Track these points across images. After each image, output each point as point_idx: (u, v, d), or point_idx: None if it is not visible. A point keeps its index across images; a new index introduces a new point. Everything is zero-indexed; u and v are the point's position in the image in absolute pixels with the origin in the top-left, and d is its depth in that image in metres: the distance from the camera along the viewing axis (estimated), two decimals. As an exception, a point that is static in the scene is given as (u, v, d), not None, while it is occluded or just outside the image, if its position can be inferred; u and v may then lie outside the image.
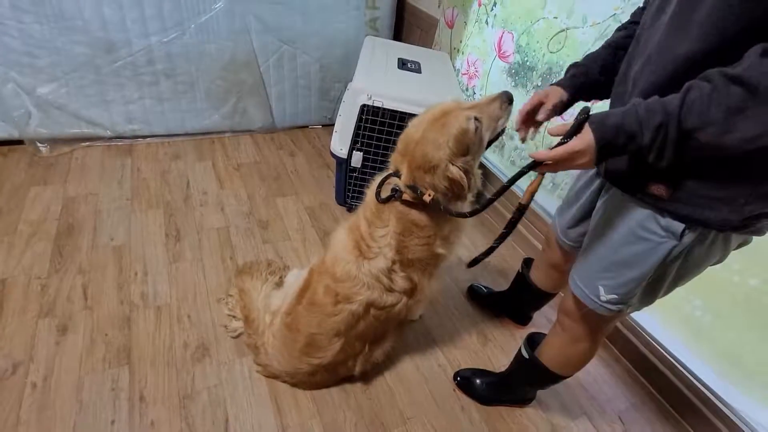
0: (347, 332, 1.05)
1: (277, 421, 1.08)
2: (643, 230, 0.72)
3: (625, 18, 1.28)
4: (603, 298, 0.81)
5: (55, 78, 1.71)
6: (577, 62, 0.89)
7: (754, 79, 0.52)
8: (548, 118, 0.85)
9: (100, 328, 1.20)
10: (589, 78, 0.86)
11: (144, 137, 2.00)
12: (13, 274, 1.30)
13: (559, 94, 0.85)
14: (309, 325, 1.06)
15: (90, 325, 1.21)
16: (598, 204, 0.86)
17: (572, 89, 0.86)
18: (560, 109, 0.86)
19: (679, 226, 0.69)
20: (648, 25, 0.71)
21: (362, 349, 1.11)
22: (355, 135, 1.59)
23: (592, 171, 0.94)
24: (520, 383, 1.18)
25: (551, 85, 0.88)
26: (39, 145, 1.78)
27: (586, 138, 0.65)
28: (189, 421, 1.05)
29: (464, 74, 2.07)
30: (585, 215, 0.96)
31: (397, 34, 2.40)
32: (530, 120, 0.88)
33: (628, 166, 0.73)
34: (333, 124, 2.40)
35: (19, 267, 1.32)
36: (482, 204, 0.85)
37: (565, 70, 0.92)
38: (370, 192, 1.01)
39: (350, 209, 1.83)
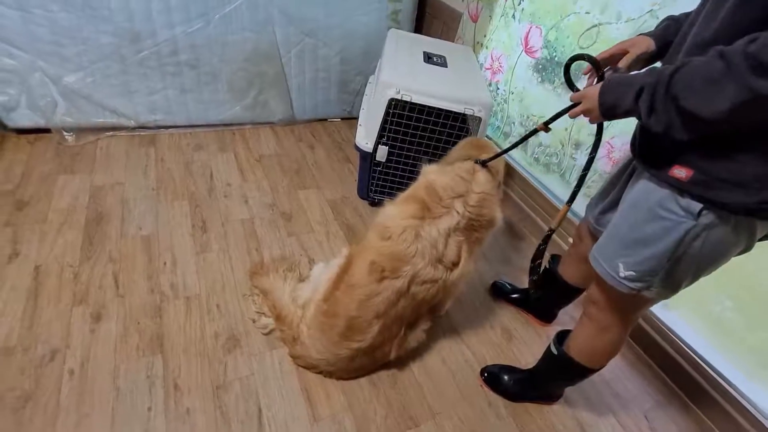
0: (386, 313, 1.07)
1: (309, 413, 1.10)
2: (663, 209, 0.75)
3: (663, 14, 1.28)
4: (621, 274, 0.83)
5: (81, 67, 1.72)
6: (673, 15, 0.87)
7: (730, 55, 0.57)
8: (633, 67, 0.84)
9: (132, 317, 1.22)
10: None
11: (166, 128, 2.00)
12: (46, 261, 1.31)
13: (647, 44, 0.83)
14: (348, 309, 1.08)
15: (123, 313, 1.22)
16: (627, 189, 0.89)
17: (662, 41, 0.83)
18: (648, 60, 0.84)
19: (696, 206, 0.71)
20: (692, 20, 0.74)
21: (398, 332, 1.14)
22: (382, 129, 1.58)
23: (624, 162, 0.97)
24: (548, 380, 1.19)
25: (639, 34, 0.86)
26: (65, 133, 1.79)
27: (597, 86, 0.76)
28: (223, 410, 1.06)
29: (487, 69, 2.05)
30: (617, 202, 0.97)
31: (418, 28, 2.38)
32: (602, 66, 0.87)
33: (653, 146, 0.76)
34: (353, 118, 2.41)
35: (52, 255, 1.33)
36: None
37: (657, 24, 0.89)
38: (445, 167, 1.18)
39: (373, 203, 1.83)
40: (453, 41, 2.18)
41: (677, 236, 0.73)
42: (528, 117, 1.89)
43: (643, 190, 0.79)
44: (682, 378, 1.33)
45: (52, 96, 1.73)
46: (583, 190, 1.68)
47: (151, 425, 1.01)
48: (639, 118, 0.71)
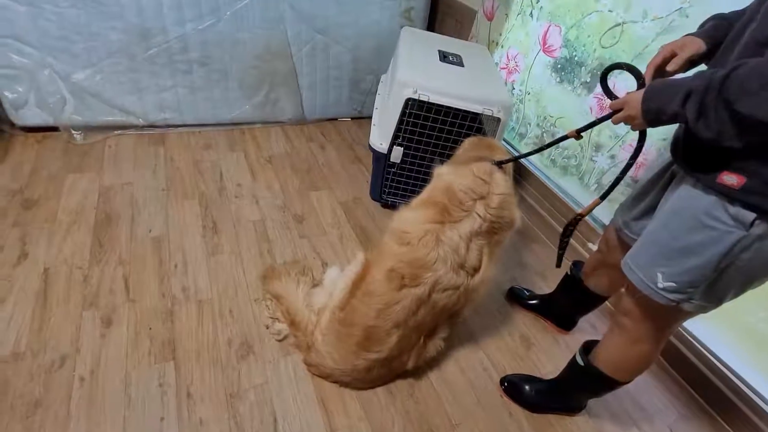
0: (406, 322, 1.04)
1: (326, 423, 1.06)
2: (709, 218, 0.70)
3: (694, 12, 1.24)
4: (660, 285, 0.78)
5: (90, 64, 1.69)
6: (722, 14, 0.82)
7: None
8: (681, 69, 0.79)
9: (143, 322, 1.19)
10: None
11: (175, 126, 1.97)
12: (54, 263, 1.28)
13: (697, 46, 0.78)
14: (366, 318, 1.04)
15: (133, 317, 1.19)
16: (665, 195, 0.84)
17: (712, 41, 0.78)
18: (696, 62, 0.80)
19: (749, 216, 0.66)
20: (748, 18, 0.70)
21: (417, 341, 1.10)
22: (397, 129, 1.54)
23: (662, 165, 0.92)
24: (572, 391, 1.15)
25: (686, 35, 0.81)
26: (74, 132, 1.76)
27: (639, 92, 0.72)
28: (237, 420, 1.03)
29: (503, 68, 2.00)
30: (652, 209, 0.92)
31: (431, 26, 2.34)
32: (658, 75, 0.82)
33: (700, 151, 0.71)
34: (363, 117, 2.37)
35: (61, 256, 1.30)
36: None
37: (702, 23, 0.84)
38: (466, 168, 1.11)
39: (385, 205, 1.79)
40: (467, 40, 2.13)
41: (725, 247, 0.69)
42: (545, 118, 1.84)
43: (687, 196, 0.75)
44: (709, 391, 1.28)
45: (61, 93, 1.70)
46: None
47: (164, 435, 0.98)
48: (685, 122, 0.67)
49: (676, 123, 0.69)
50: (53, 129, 1.76)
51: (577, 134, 0.93)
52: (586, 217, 1.67)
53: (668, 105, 0.67)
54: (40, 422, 0.95)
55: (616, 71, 0.87)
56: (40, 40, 1.58)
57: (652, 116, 0.70)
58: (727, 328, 1.27)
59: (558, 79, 1.74)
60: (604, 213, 1.64)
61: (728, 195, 0.68)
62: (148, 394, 1.04)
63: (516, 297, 1.51)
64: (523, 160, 1.93)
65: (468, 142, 1.28)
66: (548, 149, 1.85)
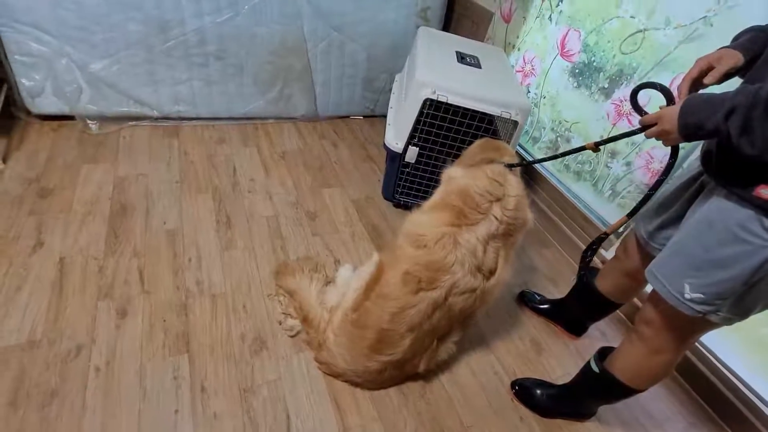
0: (420, 326, 1.04)
1: (338, 421, 1.06)
2: (744, 231, 0.70)
3: (719, 21, 1.23)
4: (687, 296, 0.78)
5: (108, 54, 1.69)
6: (759, 26, 0.80)
7: None
8: (718, 82, 0.78)
9: (158, 314, 1.19)
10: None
11: (189, 119, 1.97)
12: (70, 253, 1.28)
13: (735, 59, 0.76)
14: (380, 321, 1.04)
15: (148, 309, 1.19)
16: (694, 206, 0.83)
17: (750, 54, 0.77)
18: (731, 75, 0.79)
19: None
20: None
21: (430, 345, 1.10)
22: (413, 129, 1.54)
23: (689, 176, 0.91)
24: (585, 397, 1.15)
25: (722, 48, 0.79)
26: (89, 122, 1.76)
27: (675, 107, 0.72)
28: (251, 414, 1.03)
29: (519, 71, 2.00)
30: (677, 219, 0.92)
31: (446, 26, 2.33)
32: (694, 88, 0.81)
33: (735, 164, 0.71)
34: (375, 116, 2.37)
35: (76, 246, 1.31)
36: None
37: (736, 35, 0.82)
38: (480, 168, 1.11)
39: (398, 205, 1.79)
40: (482, 41, 2.13)
41: (759, 261, 0.69)
42: (560, 122, 1.84)
43: (720, 208, 0.74)
44: (717, 401, 1.28)
45: (77, 83, 1.70)
46: (617, 201, 1.64)
47: (179, 430, 0.98)
48: (726, 139, 0.66)
49: (714, 138, 0.68)
50: (69, 118, 1.77)
51: (596, 147, 0.92)
52: (593, 219, 1.68)
53: (709, 120, 0.66)
54: (57, 412, 0.96)
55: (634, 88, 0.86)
56: (59, 29, 1.58)
57: (689, 131, 0.70)
58: (737, 338, 1.27)
59: (575, 84, 1.73)
60: (610, 215, 1.64)
61: (765, 208, 0.67)
62: (163, 387, 1.04)
63: (527, 301, 1.51)
64: (536, 165, 1.93)
65: (476, 144, 1.27)
66: (557, 150, 1.85)
